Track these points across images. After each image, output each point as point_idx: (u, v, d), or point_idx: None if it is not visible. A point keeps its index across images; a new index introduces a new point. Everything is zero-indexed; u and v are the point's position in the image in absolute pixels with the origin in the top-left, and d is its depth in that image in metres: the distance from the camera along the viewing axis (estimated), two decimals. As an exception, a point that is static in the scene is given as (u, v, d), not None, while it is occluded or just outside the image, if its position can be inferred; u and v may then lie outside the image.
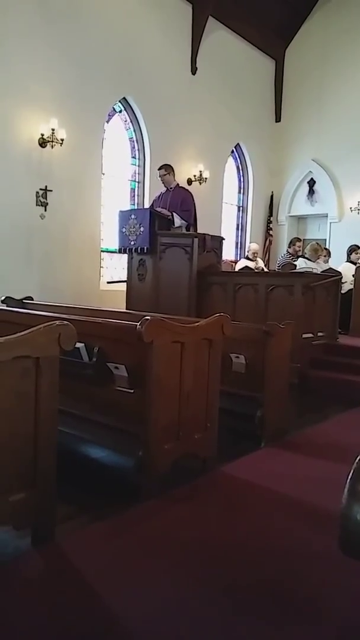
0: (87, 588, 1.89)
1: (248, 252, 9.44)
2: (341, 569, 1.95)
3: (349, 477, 1.13)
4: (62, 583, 1.93)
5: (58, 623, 1.71)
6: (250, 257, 9.15)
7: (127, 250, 6.43)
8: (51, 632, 1.67)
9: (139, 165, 9.08)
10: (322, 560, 2.10)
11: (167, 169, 6.66)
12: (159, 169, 6.77)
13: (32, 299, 4.67)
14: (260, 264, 9.23)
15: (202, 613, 1.77)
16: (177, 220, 6.38)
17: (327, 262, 8.16)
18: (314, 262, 7.22)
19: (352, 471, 1.14)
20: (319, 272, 6.58)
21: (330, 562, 2.03)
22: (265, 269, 9.39)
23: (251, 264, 8.82)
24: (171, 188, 6.65)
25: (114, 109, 8.60)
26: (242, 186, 11.56)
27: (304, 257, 7.39)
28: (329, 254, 8.70)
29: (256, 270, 8.65)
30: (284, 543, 2.27)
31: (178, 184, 6.79)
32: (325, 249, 8.87)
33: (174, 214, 6.36)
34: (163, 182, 6.71)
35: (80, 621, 1.72)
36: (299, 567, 2.08)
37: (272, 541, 2.29)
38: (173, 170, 6.73)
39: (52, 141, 7.21)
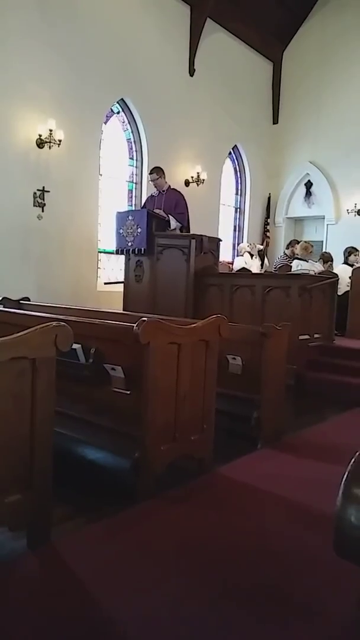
0: (83, 589, 1.89)
1: (240, 252, 9.63)
2: (336, 570, 1.96)
3: (344, 479, 1.13)
4: (58, 584, 1.93)
5: (54, 625, 1.71)
6: (242, 254, 9.39)
7: (125, 251, 6.43)
8: (47, 634, 1.67)
9: (136, 167, 9.09)
10: (318, 561, 2.10)
11: (158, 173, 6.62)
12: (150, 174, 6.75)
13: (29, 300, 4.66)
14: (247, 258, 9.34)
15: (199, 614, 1.77)
16: (173, 223, 6.39)
17: (332, 268, 8.19)
18: (307, 261, 7.26)
19: (346, 473, 1.14)
20: (315, 274, 6.60)
21: (325, 564, 2.04)
22: (257, 262, 9.48)
23: (242, 260, 9.05)
24: (164, 191, 6.64)
25: (111, 110, 8.60)
26: (239, 188, 11.57)
27: (297, 259, 7.42)
28: (331, 259, 8.74)
29: (251, 257, 8.92)
30: (280, 544, 2.28)
31: (170, 186, 6.76)
32: (326, 253, 8.91)
33: (170, 216, 6.37)
34: (155, 186, 6.70)
35: (76, 623, 1.72)
36: (294, 568, 2.09)
37: (268, 542, 2.29)
38: (164, 173, 6.70)
39: (50, 142, 7.20)
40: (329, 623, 1.77)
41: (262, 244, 11.08)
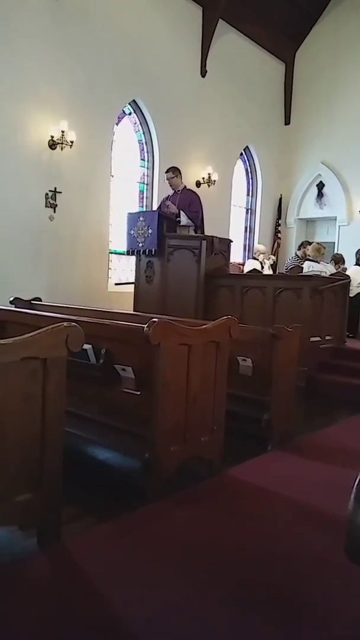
0: (93, 588, 1.89)
1: (255, 253, 9.56)
2: (347, 574, 1.94)
3: (356, 482, 1.12)
4: (67, 584, 1.93)
5: (63, 624, 1.71)
6: (257, 257, 9.35)
7: (135, 252, 6.44)
8: (56, 633, 1.68)
9: (147, 168, 9.11)
10: (328, 564, 2.09)
11: (174, 172, 6.66)
12: (166, 172, 6.78)
13: (41, 300, 4.69)
14: (266, 263, 9.30)
15: (207, 616, 1.76)
16: (184, 219, 6.38)
17: (345, 269, 8.15)
18: (318, 263, 7.22)
19: (358, 476, 1.13)
20: (327, 275, 6.56)
21: (336, 567, 2.02)
22: (269, 270, 9.44)
23: (257, 264, 8.97)
24: (179, 191, 6.65)
25: (123, 112, 8.63)
26: (250, 189, 11.55)
27: (309, 260, 7.38)
28: (343, 260, 8.68)
29: (262, 268, 8.85)
30: (289, 547, 2.26)
31: (185, 186, 6.79)
32: (338, 254, 8.87)
33: (181, 212, 6.37)
34: (170, 185, 6.71)
35: (85, 622, 1.72)
36: (304, 571, 2.07)
37: (277, 545, 2.28)
38: (180, 173, 6.73)
39: (62, 143, 7.24)
40: (339, 627, 1.76)
41: (273, 254, 11.05)
